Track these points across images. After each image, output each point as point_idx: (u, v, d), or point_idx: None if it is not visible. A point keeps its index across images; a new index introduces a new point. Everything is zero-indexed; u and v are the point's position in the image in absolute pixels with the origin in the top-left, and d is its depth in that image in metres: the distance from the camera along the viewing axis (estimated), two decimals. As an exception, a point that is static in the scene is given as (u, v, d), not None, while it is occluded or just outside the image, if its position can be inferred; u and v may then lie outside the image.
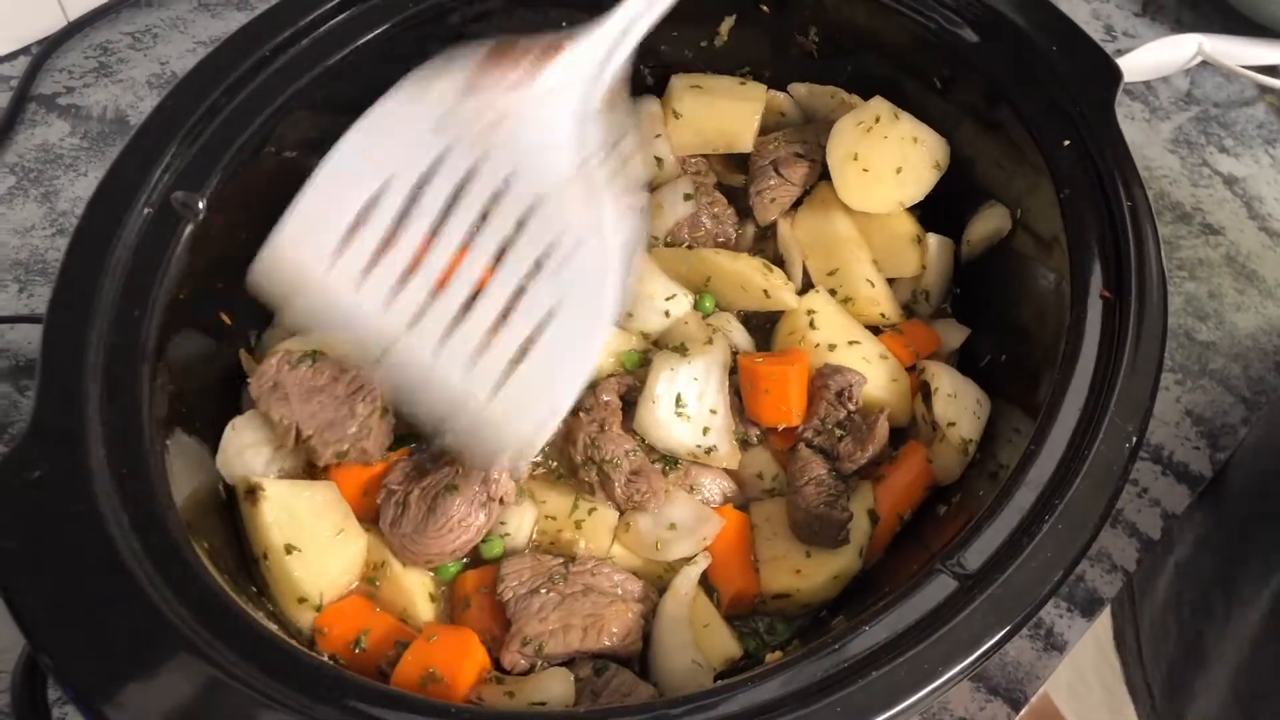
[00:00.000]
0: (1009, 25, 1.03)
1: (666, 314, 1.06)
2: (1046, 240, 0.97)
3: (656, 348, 1.06)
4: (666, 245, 1.13)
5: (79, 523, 0.73)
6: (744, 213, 1.16)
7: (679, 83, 1.17)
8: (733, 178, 1.19)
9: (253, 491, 0.90)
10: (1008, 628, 0.74)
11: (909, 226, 1.10)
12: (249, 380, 0.95)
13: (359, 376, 0.95)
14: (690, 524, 0.96)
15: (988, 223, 1.07)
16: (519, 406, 0.82)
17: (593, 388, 1.00)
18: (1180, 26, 1.48)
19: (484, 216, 0.82)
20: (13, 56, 1.33)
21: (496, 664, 0.89)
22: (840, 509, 0.95)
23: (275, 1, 0.99)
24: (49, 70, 1.32)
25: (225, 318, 0.99)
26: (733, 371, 1.03)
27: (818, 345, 1.03)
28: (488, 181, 0.81)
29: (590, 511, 0.96)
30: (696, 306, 1.07)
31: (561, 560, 0.93)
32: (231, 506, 0.95)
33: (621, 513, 0.97)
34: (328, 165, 0.81)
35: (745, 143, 1.15)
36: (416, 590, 0.92)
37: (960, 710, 0.98)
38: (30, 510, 0.73)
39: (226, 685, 0.69)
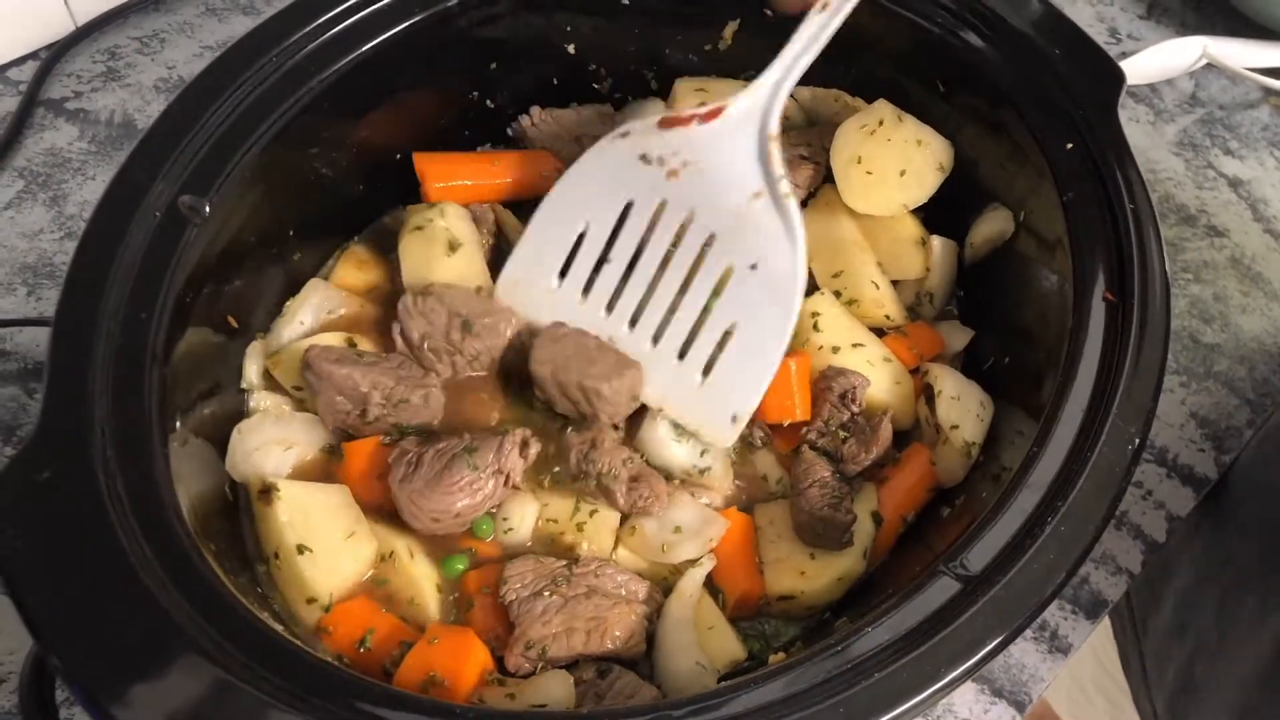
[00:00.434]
0: (1012, 28, 1.03)
1: None
2: (1050, 242, 0.97)
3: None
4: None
5: (87, 524, 0.74)
6: (748, 215, 1.16)
7: (683, 86, 1.18)
8: (737, 181, 1.19)
9: (267, 491, 0.91)
10: (1010, 629, 0.74)
11: (913, 229, 1.10)
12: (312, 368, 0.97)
13: (398, 356, 1.03)
14: (695, 526, 0.96)
15: (991, 225, 1.08)
16: (724, 390, 0.98)
17: None
18: (1185, 29, 1.48)
19: (674, 245, 0.98)
20: (21, 61, 1.34)
21: (500, 663, 0.89)
22: (844, 511, 0.95)
23: (282, 6, 0.99)
24: (57, 75, 1.33)
25: (232, 320, 1.00)
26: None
27: (821, 348, 1.03)
28: (673, 217, 0.97)
29: (592, 513, 0.97)
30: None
31: (565, 562, 0.93)
32: (237, 508, 0.96)
33: (626, 517, 0.98)
34: (537, 218, 1.02)
35: (750, 146, 1.16)
36: (424, 581, 0.93)
37: (964, 712, 0.98)
38: (39, 511, 0.74)
39: (233, 685, 0.69)
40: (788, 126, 1.19)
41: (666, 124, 0.95)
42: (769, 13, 1.12)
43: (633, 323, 1.00)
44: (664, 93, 1.20)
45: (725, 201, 0.95)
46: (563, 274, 1.02)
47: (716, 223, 0.96)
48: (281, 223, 1.04)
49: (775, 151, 0.94)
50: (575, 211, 1.00)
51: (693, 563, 0.95)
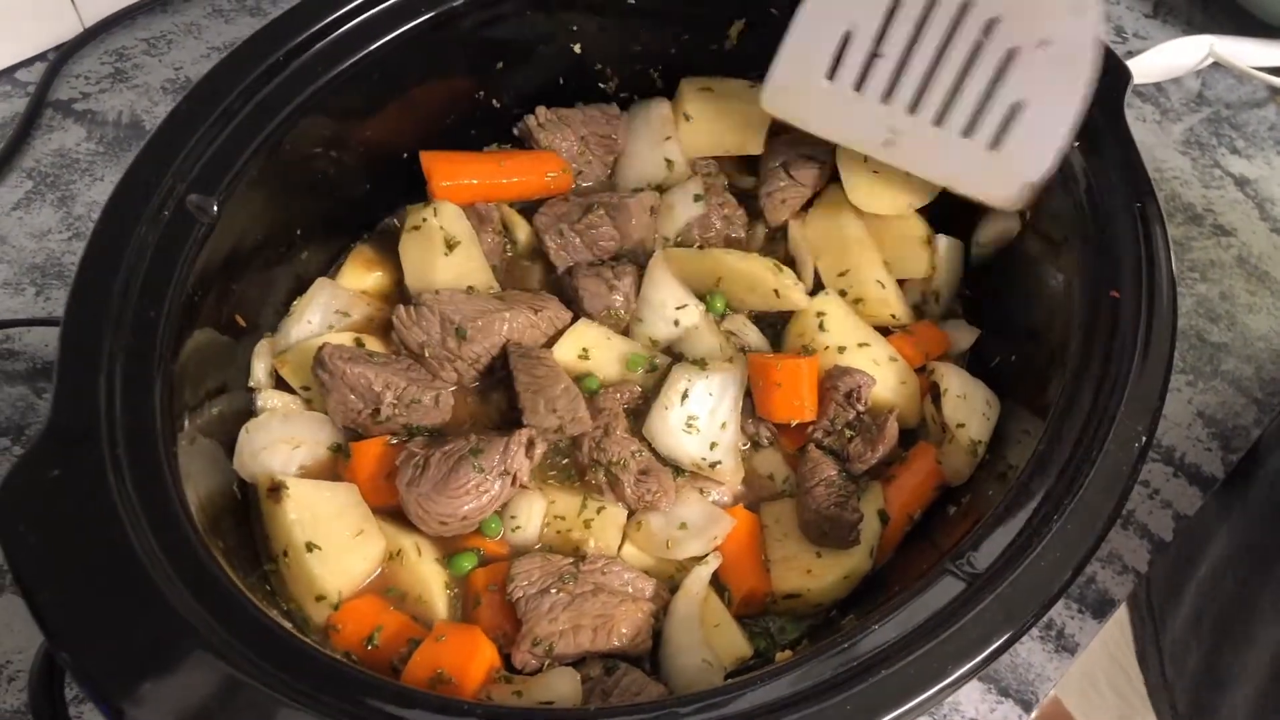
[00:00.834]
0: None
1: (676, 323, 1.06)
2: (1056, 241, 0.97)
3: (669, 355, 1.07)
4: (677, 245, 1.14)
5: (96, 522, 0.74)
6: (754, 214, 1.17)
7: (689, 86, 1.18)
8: (743, 180, 1.20)
9: (276, 489, 0.91)
10: (1016, 627, 0.74)
11: (919, 228, 1.10)
12: (321, 352, 0.98)
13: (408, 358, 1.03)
14: (701, 524, 0.96)
15: (997, 224, 1.08)
16: (1015, 160, 0.97)
17: (595, 395, 1.02)
18: (1191, 28, 1.48)
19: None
20: (30, 63, 1.34)
21: (507, 660, 0.89)
22: (851, 510, 0.95)
23: (288, 7, 1.00)
24: (65, 76, 1.34)
25: (240, 319, 1.00)
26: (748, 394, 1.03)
27: (827, 347, 1.04)
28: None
29: (599, 511, 0.97)
30: (707, 308, 1.08)
31: (572, 559, 0.93)
32: (245, 507, 0.96)
33: (632, 512, 0.98)
34: (798, 20, 0.99)
35: (755, 145, 1.16)
36: (432, 578, 0.93)
37: (971, 711, 0.98)
38: (48, 509, 0.74)
39: (243, 683, 0.69)
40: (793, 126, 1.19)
41: None
42: (774, 11, 1.12)
43: (913, 108, 0.99)
44: (670, 92, 1.20)
45: None
46: (830, 77, 1.00)
47: (999, 4, 0.93)
48: (289, 222, 1.05)
49: None
50: (840, 6, 0.98)
51: (699, 560, 0.95)
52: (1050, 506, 0.79)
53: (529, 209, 1.16)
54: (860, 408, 1.00)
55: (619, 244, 1.13)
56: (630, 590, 0.92)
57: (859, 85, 1.00)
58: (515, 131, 1.19)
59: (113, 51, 1.36)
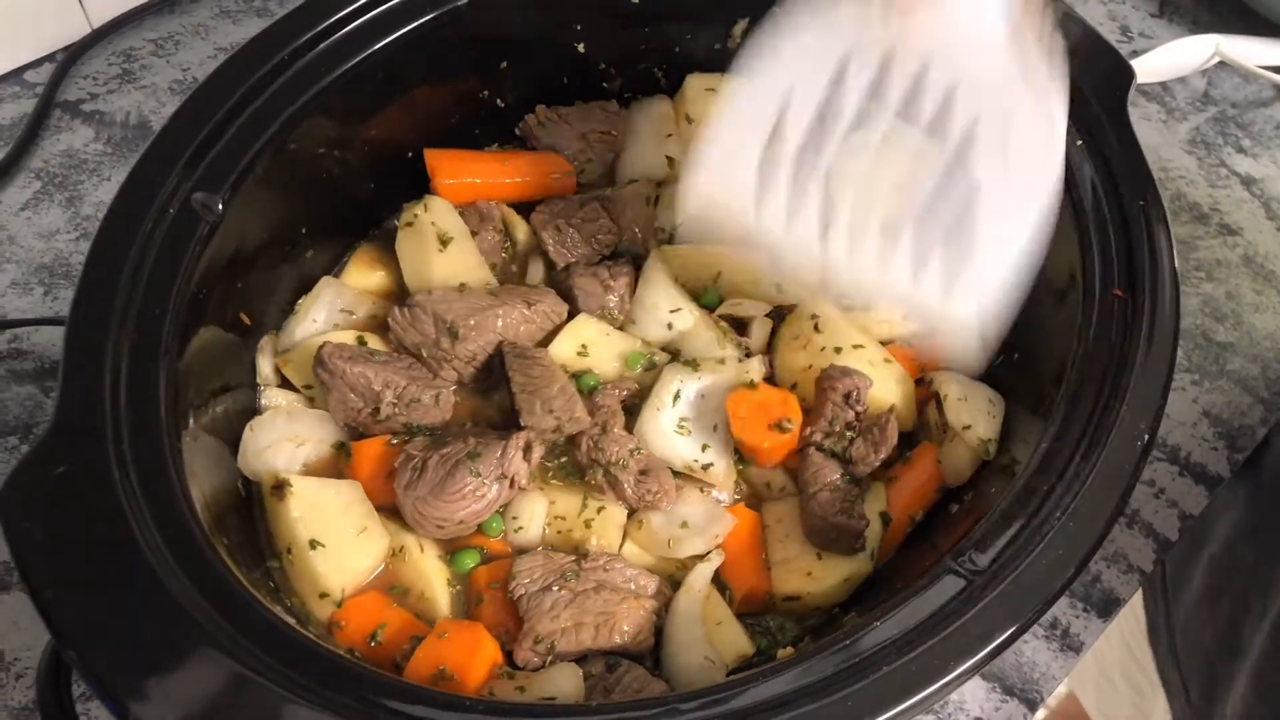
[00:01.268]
0: (1022, 25, 1.03)
1: (669, 326, 1.06)
2: (1059, 240, 0.97)
3: (666, 353, 1.06)
4: (676, 239, 1.13)
5: (102, 519, 0.75)
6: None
7: (693, 84, 1.18)
8: (745, 179, 1.19)
9: (279, 487, 0.92)
10: (1018, 625, 0.74)
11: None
12: (324, 347, 0.98)
13: (409, 357, 1.03)
14: (703, 522, 0.96)
15: (1001, 223, 1.07)
16: (956, 284, 0.81)
17: (593, 392, 1.01)
18: (1197, 27, 1.48)
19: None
20: (38, 64, 1.35)
21: (509, 657, 0.89)
22: (857, 516, 0.95)
23: (293, 7, 1.00)
24: (73, 77, 1.34)
25: (244, 317, 1.00)
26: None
27: (823, 349, 1.03)
28: (897, 81, 0.79)
29: (599, 510, 0.97)
30: (701, 303, 1.07)
31: (574, 557, 0.93)
32: (249, 503, 0.97)
33: (633, 511, 0.98)
34: (728, 106, 0.83)
35: (758, 144, 1.16)
36: (434, 576, 0.93)
37: (975, 710, 0.98)
38: (54, 506, 0.75)
39: (248, 679, 0.70)
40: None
41: None
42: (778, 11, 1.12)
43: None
44: (672, 90, 1.20)
45: (964, 59, 0.78)
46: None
47: (953, 81, 0.78)
48: (293, 221, 1.05)
49: None
50: (769, 89, 0.81)
51: (700, 558, 0.95)
52: (1052, 505, 0.79)
53: (527, 209, 1.16)
54: (859, 409, 1.00)
55: (616, 236, 1.13)
56: (632, 587, 0.92)
57: (791, 211, 0.84)
58: (517, 131, 1.19)
59: (120, 52, 1.37)
